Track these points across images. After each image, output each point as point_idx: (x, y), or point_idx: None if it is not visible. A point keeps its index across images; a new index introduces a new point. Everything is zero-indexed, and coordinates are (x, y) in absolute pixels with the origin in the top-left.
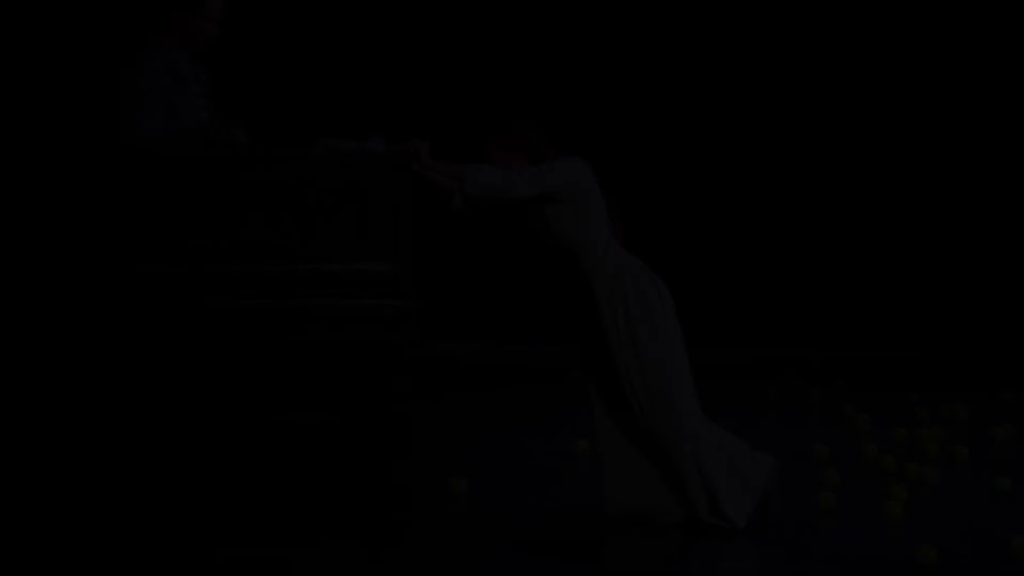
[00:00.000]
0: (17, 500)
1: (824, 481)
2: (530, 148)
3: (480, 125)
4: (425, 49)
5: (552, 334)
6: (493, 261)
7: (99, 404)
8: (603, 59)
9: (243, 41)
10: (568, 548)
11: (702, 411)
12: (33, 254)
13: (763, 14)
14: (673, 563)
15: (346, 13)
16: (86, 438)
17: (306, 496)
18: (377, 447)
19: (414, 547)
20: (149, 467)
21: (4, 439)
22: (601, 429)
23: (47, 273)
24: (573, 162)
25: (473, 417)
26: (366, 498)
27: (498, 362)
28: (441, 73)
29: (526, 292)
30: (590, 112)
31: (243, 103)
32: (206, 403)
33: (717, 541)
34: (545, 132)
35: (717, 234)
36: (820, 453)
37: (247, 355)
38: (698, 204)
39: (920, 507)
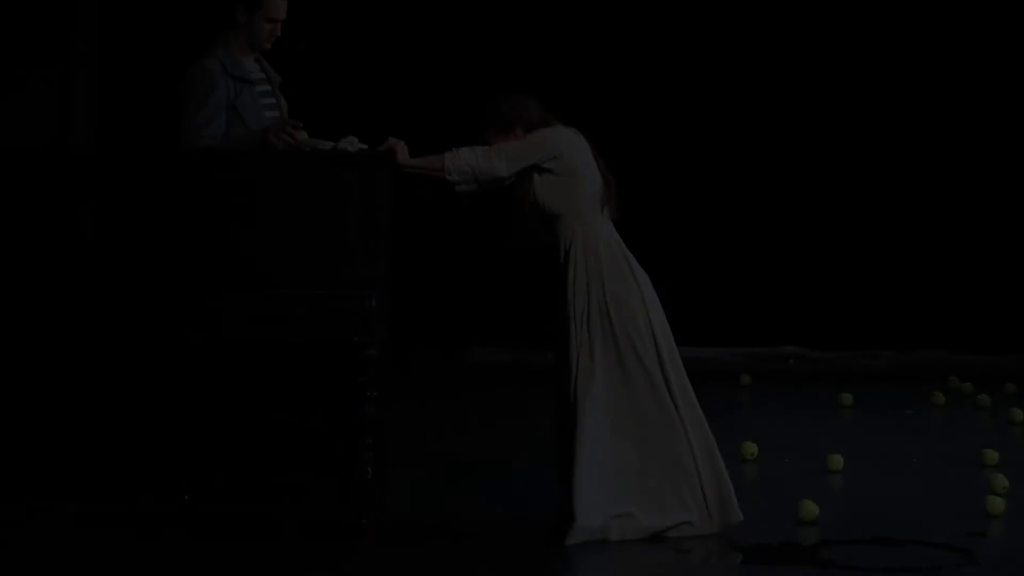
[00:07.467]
0: None
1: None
2: (524, 122)
3: (475, 114)
4: (410, 41)
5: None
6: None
7: (88, 399)
8: (603, 53)
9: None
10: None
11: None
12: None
13: (763, 10)
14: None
15: (322, 8)
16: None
17: (279, 496)
18: (349, 448)
19: (383, 546)
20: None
21: None
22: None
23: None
24: (559, 132)
25: (451, 418)
26: (338, 498)
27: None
28: (428, 68)
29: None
30: (594, 116)
31: None
32: (182, 402)
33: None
34: (539, 104)
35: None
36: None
37: (221, 355)
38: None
39: None
